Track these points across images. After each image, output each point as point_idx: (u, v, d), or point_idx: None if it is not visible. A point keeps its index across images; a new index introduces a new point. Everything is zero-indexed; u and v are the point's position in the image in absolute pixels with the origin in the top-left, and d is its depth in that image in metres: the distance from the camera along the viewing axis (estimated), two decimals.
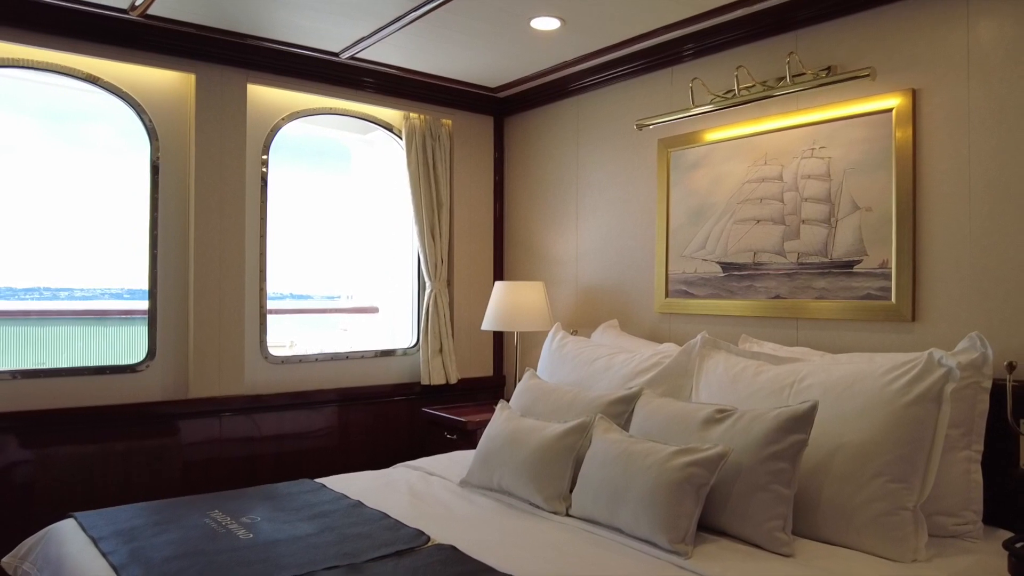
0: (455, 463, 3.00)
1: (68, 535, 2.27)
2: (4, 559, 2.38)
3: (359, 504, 2.51)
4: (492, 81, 4.12)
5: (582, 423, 2.48)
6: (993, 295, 2.46)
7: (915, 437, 2.13)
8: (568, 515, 2.38)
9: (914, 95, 2.64)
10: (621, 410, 2.61)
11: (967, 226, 2.52)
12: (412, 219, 4.11)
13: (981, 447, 2.25)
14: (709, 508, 2.14)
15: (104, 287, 4.57)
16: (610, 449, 2.29)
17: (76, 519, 2.37)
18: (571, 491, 2.41)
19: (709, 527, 2.18)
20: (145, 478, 3.32)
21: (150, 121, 3.44)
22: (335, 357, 3.98)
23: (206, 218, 3.51)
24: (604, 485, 2.25)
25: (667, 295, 3.47)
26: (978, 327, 2.46)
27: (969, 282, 2.51)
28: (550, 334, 3.40)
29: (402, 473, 2.95)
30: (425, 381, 4.09)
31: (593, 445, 2.38)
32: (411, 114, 4.14)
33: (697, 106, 3.21)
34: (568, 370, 3.14)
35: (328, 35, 3.43)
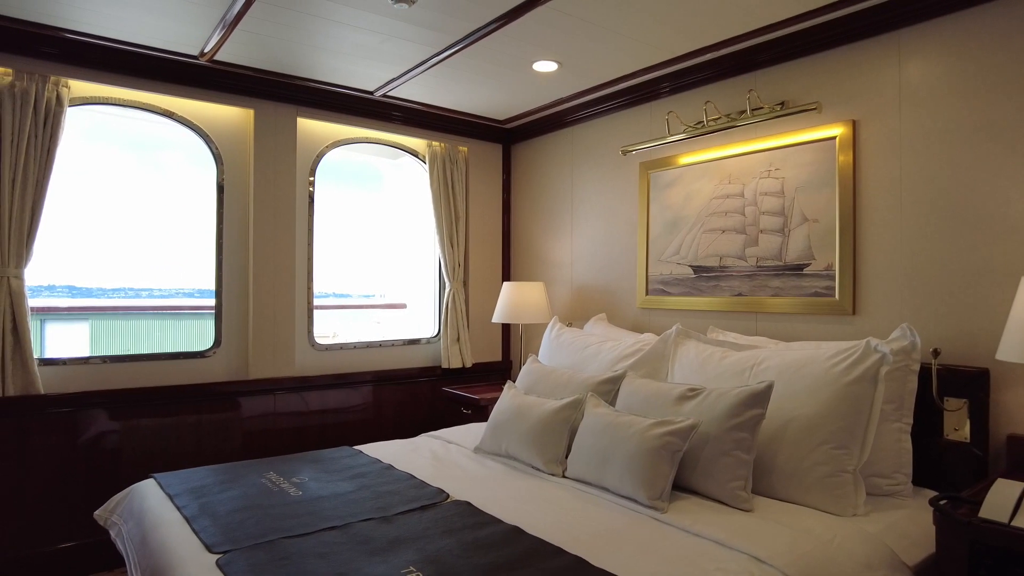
0: (470, 433, 3.00)
1: (149, 492, 2.29)
2: (96, 512, 2.40)
3: (390, 467, 2.52)
4: (500, 114, 4.12)
5: (576, 400, 2.48)
6: (920, 292, 2.45)
7: (855, 411, 2.13)
8: (564, 476, 2.39)
9: (854, 125, 2.63)
10: (608, 388, 2.60)
11: (899, 235, 2.51)
12: (434, 230, 4.12)
13: (911, 420, 2.25)
14: (682, 471, 2.14)
15: (179, 287, 4.60)
16: (599, 421, 2.29)
17: (155, 479, 2.39)
18: (567, 456, 2.42)
19: (682, 487, 2.18)
20: (212, 445, 3.34)
21: (216, 148, 3.46)
22: (370, 345, 3.98)
23: (263, 229, 3.52)
24: (594, 451, 2.25)
25: (647, 293, 3.46)
26: (908, 319, 2.46)
27: (900, 281, 2.51)
28: (549, 325, 3.40)
29: (425, 441, 2.96)
30: (445, 365, 4.10)
31: (585, 418, 2.37)
32: (433, 143, 4.14)
33: (672, 135, 3.21)
34: (564, 355, 3.14)
35: (365, 76, 3.44)
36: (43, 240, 2.88)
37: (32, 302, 2.86)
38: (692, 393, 2.26)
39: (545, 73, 3.31)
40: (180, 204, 3.95)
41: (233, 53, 3.11)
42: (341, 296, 5.64)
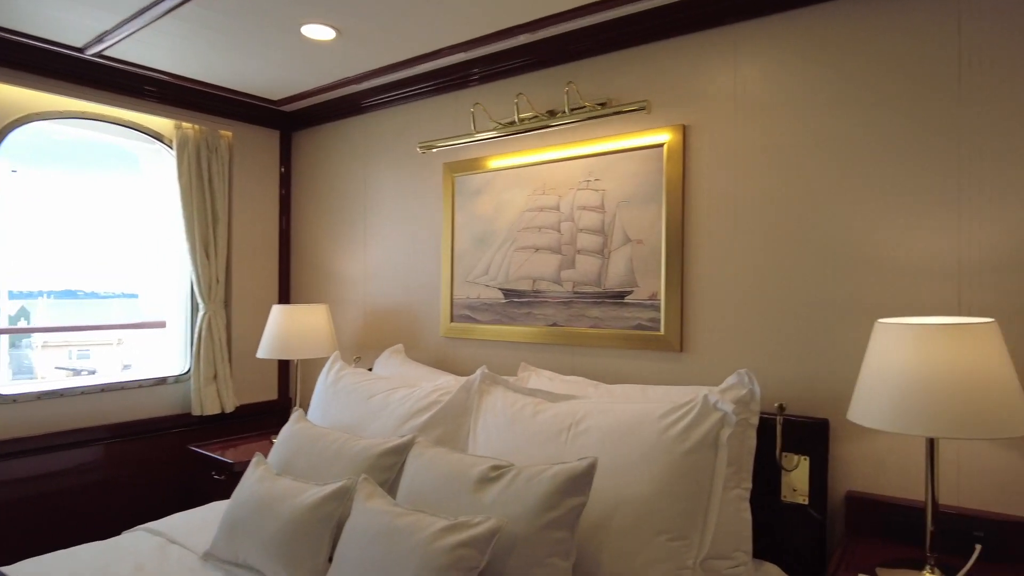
0: (207, 523, 2.18)
1: None
2: None
3: None
4: (274, 93, 3.30)
5: (342, 487, 1.80)
6: (755, 328, 2.12)
7: (695, 488, 1.71)
8: None
9: (684, 131, 2.26)
10: (392, 462, 1.96)
11: (732, 262, 2.17)
12: (183, 235, 3.19)
13: (750, 484, 1.88)
14: None
15: None
16: (372, 523, 1.64)
17: None
18: (330, 560, 1.74)
19: None
20: None
21: None
22: (86, 391, 2.95)
23: None
24: (365, 568, 1.59)
25: (452, 319, 2.88)
26: (741, 358, 2.13)
27: (733, 315, 2.16)
28: (327, 365, 2.67)
29: (135, 542, 2.07)
30: (197, 412, 3.18)
31: (353, 516, 1.71)
32: (183, 124, 3.21)
33: (479, 132, 2.65)
34: (342, 407, 2.43)
35: (65, 26, 2.46)
36: None
37: None
38: (496, 473, 1.70)
39: (320, 42, 2.59)
40: None
41: None
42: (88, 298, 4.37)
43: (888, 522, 1.85)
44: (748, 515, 1.85)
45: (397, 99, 3.12)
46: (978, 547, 1.66)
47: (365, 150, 3.31)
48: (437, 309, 2.95)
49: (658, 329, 2.30)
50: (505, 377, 2.29)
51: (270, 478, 1.94)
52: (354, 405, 2.39)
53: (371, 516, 1.65)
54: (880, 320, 1.60)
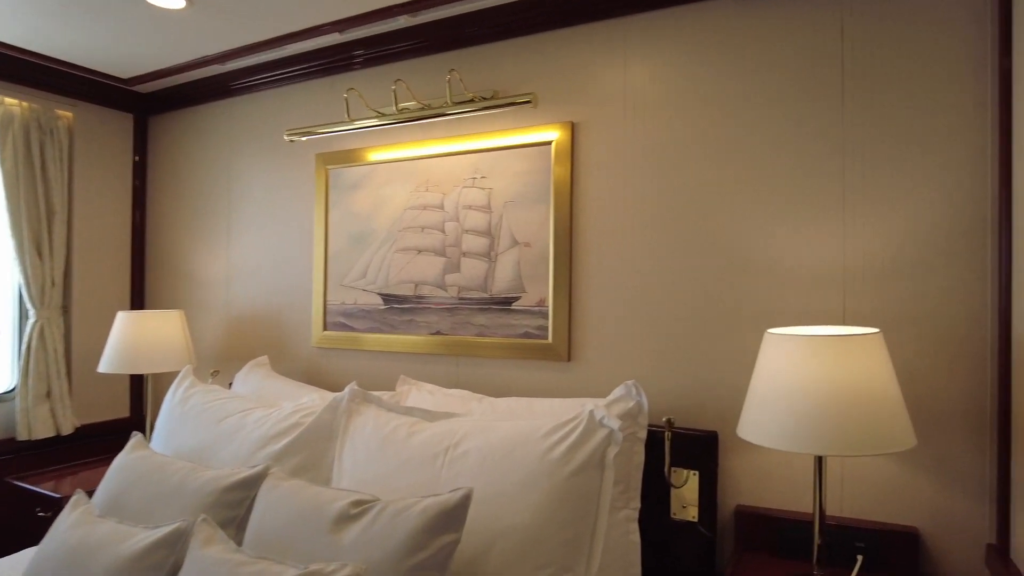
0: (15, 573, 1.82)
1: None
2: None
3: None
4: (123, 70, 2.90)
5: (175, 531, 1.52)
6: (647, 338, 2.03)
7: (580, 513, 1.58)
8: None
9: (573, 128, 2.13)
10: (240, 497, 1.70)
11: (623, 267, 2.06)
12: (7, 230, 2.73)
13: (639, 503, 1.76)
14: None
15: None
16: (208, 575, 1.38)
17: None
18: None
19: None
20: None
21: None
22: None
23: None
24: None
25: (325, 327, 2.62)
26: (630, 368, 2.03)
27: (624, 323, 2.06)
28: (175, 382, 2.34)
29: None
30: (24, 436, 2.73)
31: (187, 566, 1.43)
32: (7, 99, 2.75)
33: (354, 120, 2.41)
34: (190, 432, 2.11)
35: None
36: None
37: None
38: (358, 509, 1.48)
39: (169, 10, 2.26)
40: None
41: None
42: None
43: (777, 536, 1.80)
44: (637, 537, 1.73)
45: (268, 82, 2.82)
46: (860, 558, 1.64)
47: (231, 138, 2.98)
48: (309, 316, 2.68)
49: (546, 337, 2.17)
50: (380, 393, 2.08)
51: (88, 522, 1.62)
52: (204, 428, 2.09)
53: (207, 566, 1.40)
54: (769, 330, 1.53)
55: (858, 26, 1.77)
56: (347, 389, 1.99)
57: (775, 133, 1.86)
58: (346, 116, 2.41)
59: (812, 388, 1.37)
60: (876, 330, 1.44)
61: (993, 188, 1.62)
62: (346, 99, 2.33)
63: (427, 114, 2.26)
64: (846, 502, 1.77)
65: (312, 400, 2.07)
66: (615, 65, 2.07)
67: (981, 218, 1.64)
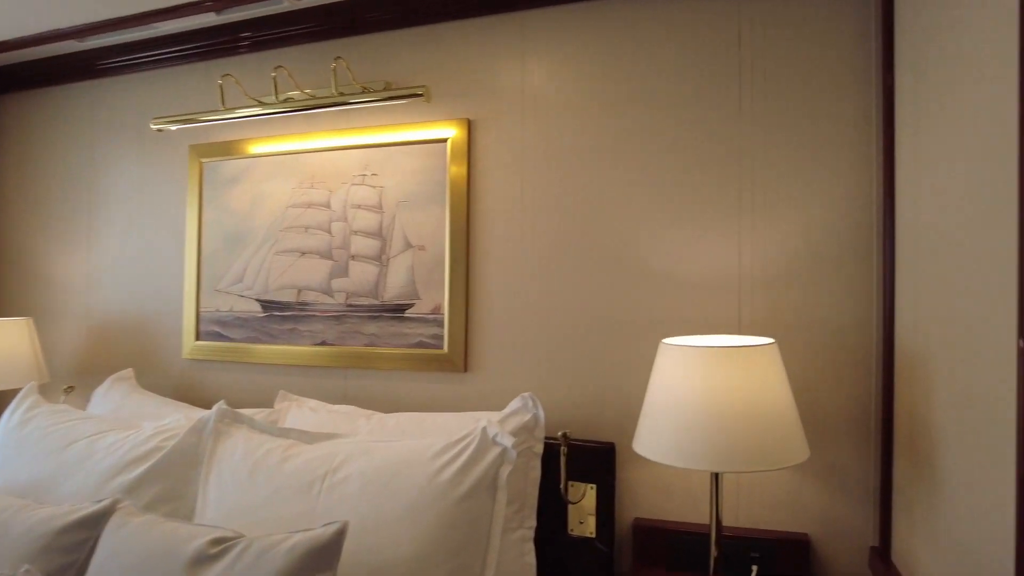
0: None
1: None
2: None
3: None
4: None
5: None
6: (544, 347, 1.94)
7: (471, 540, 1.46)
8: None
9: (470, 126, 2.01)
10: (80, 539, 1.45)
11: (520, 273, 1.97)
12: None
13: (534, 522, 1.67)
14: None
15: None
16: None
17: None
18: None
19: None
20: None
21: None
22: None
23: None
24: None
25: (198, 337, 2.37)
26: (529, 379, 1.94)
27: (521, 332, 1.96)
28: (14, 402, 2.02)
29: None
30: None
31: None
32: None
33: (230, 109, 2.19)
34: (27, 461, 1.81)
35: None
36: None
37: None
38: (218, 548, 1.30)
39: None
40: None
41: None
42: None
43: (674, 549, 1.76)
44: (532, 558, 1.64)
45: (137, 64, 2.52)
46: (755, 568, 1.63)
47: (94, 124, 2.65)
48: (180, 324, 2.42)
49: (441, 347, 2.04)
50: (254, 412, 1.88)
51: None
52: (44, 457, 1.80)
53: None
54: (664, 340, 1.47)
55: (756, 34, 1.76)
56: (214, 408, 1.77)
57: (672, 136, 1.82)
58: (220, 104, 2.18)
59: (707, 402, 1.32)
60: (771, 340, 1.41)
61: (878, 198, 1.65)
62: (220, 85, 2.10)
63: (312, 104, 2.08)
64: (742, 512, 1.76)
65: (177, 420, 1.83)
66: (513, 60, 1.97)
67: (867, 227, 1.66)
